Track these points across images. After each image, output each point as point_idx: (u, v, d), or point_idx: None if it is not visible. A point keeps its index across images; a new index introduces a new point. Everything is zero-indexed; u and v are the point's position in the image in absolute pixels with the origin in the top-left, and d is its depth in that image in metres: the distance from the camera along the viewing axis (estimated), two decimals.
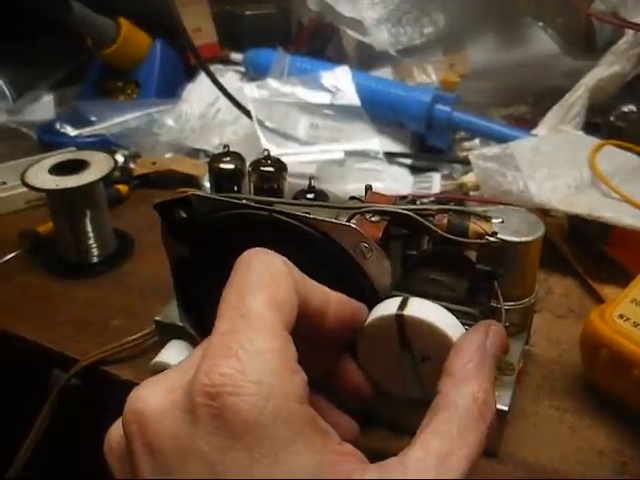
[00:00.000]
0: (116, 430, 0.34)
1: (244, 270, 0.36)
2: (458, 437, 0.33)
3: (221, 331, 0.33)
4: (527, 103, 0.94)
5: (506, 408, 0.48)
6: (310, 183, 0.54)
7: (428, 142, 0.91)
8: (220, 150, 0.59)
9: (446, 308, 0.43)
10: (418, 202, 0.50)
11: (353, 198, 0.50)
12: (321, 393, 0.42)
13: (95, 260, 0.74)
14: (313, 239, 0.45)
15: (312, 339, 0.38)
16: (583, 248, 0.71)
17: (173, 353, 0.55)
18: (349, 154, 0.85)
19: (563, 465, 0.50)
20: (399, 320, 0.41)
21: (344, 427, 0.42)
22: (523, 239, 0.50)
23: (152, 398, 0.32)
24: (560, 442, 0.52)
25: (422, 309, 0.42)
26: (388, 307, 0.42)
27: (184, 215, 0.49)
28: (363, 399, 0.44)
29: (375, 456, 0.50)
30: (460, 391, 0.35)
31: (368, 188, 0.51)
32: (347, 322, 0.40)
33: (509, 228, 0.50)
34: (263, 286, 0.34)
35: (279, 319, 0.33)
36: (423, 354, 0.43)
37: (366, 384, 0.44)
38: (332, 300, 0.39)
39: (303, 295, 0.36)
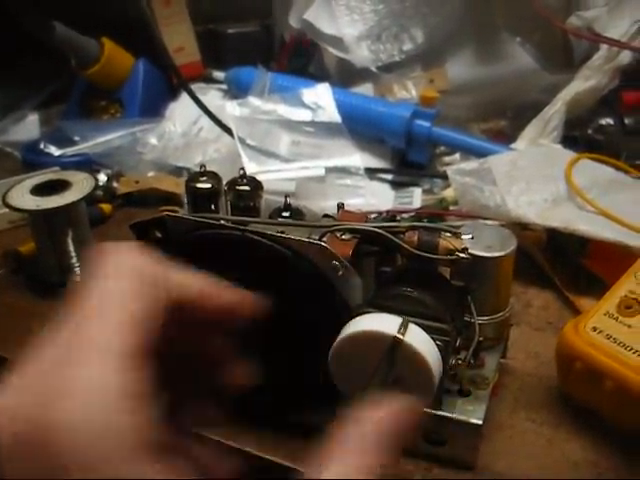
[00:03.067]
0: None
1: (93, 281, 0.33)
2: None
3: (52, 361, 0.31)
4: (506, 117, 0.95)
5: (480, 422, 0.48)
6: (285, 201, 0.55)
7: (408, 157, 0.92)
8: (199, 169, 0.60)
9: (418, 324, 0.43)
10: (398, 217, 0.51)
11: (326, 216, 0.51)
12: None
13: (77, 279, 0.74)
14: (285, 258, 0.46)
15: (194, 323, 0.37)
16: (561, 261, 0.71)
17: None
18: (330, 170, 0.85)
19: (539, 477, 0.50)
20: (395, 342, 0.42)
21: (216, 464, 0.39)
22: (495, 254, 0.51)
23: None
24: (536, 455, 0.52)
25: (420, 340, 0.43)
26: (387, 325, 0.43)
27: (159, 235, 0.49)
28: (240, 388, 0.41)
29: None
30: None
31: (340, 206, 0.51)
32: (230, 308, 0.38)
33: (481, 243, 0.51)
34: (109, 306, 0.32)
35: (127, 341, 0.31)
36: (398, 376, 0.43)
37: (245, 374, 0.42)
38: (208, 287, 0.37)
39: (171, 287, 0.34)
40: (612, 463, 0.51)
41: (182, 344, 0.37)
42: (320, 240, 0.46)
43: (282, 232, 0.46)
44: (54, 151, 0.98)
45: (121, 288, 0.32)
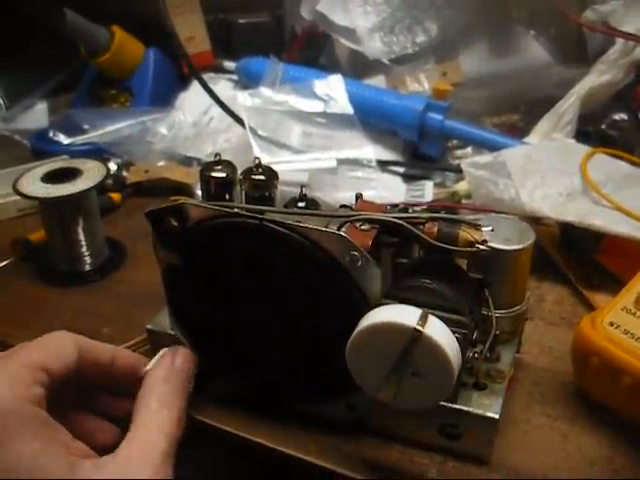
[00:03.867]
0: None
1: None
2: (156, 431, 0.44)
3: None
4: (519, 111, 0.95)
5: (497, 416, 0.48)
6: (301, 191, 0.54)
7: (420, 150, 0.92)
8: (212, 158, 0.59)
9: (437, 316, 0.43)
10: (410, 210, 0.50)
11: (344, 206, 0.50)
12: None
13: (87, 268, 0.74)
14: (303, 247, 0.45)
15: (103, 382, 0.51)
16: (575, 256, 0.71)
17: None
18: (342, 162, 0.85)
19: (555, 473, 0.50)
20: (415, 334, 0.42)
21: (102, 431, 0.51)
22: (513, 247, 0.50)
23: None
24: (551, 450, 0.52)
25: (440, 333, 0.42)
26: (406, 317, 0.42)
27: (175, 224, 0.49)
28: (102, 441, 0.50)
29: (366, 464, 0.50)
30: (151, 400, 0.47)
31: (358, 196, 0.51)
32: (128, 371, 0.51)
33: (499, 236, 0.50)
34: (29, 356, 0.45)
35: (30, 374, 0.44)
36: (416, 369, 0.43)
37: (108, 432, 0.51)
38: (117, 355, 0.51)
39: (89, 354, 0.48)
40: (628, 460, 0.51)
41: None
42: (339, 230, 0.45)
43: (299, 222, 0.46)
44: (63, 139, 0.98)
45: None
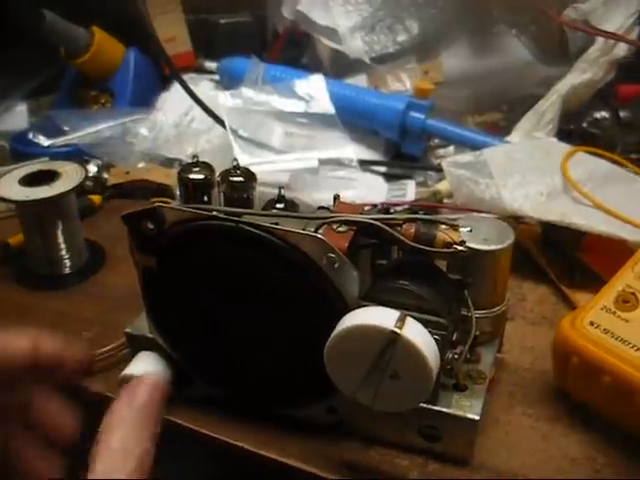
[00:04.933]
0: None
1: None
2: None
3: None
4: (501, 110, 0.94)
5: (477, 417, 0.48)
6: (280, 193, 0.54)
7: (402, 150, 0.91)
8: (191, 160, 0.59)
9: (415, 318, 0.43)
10: (392, 210, 0.50)
11: (322, 208, 0.50)
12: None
13: (67, 271, 0.74)
14: (280, 250, 0.45)
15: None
16: (556, 255, 0.71)
17: (142, 365, 0.54)
18: (323, 162, 0.84)
19: (536, 474, 0.50)
20: (393, 336, 0.41)
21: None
22: (492, 247, 0.50)
23: None
24: (532, 450, 0.51)
25: (418, 335, 0.42)
26: (384, 319, 0.42)
27: (151, 227, 0.48)
28: (64, 437, 0.47)
29: (346, 467, 0.50)
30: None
31: (336, 197, 0.50)
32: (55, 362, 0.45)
33: (478, 236, 0.50)
34: None
35: None
36: (395, 372, 0.43)
37: (68, 424, 0.47)
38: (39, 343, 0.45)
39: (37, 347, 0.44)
40: (609, 459, 0.51)
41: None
42: (316, 232, 0.45)
43: (276, 224, 0.45)
44: (43, 141, 0.97)
45: None
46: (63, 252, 0.73)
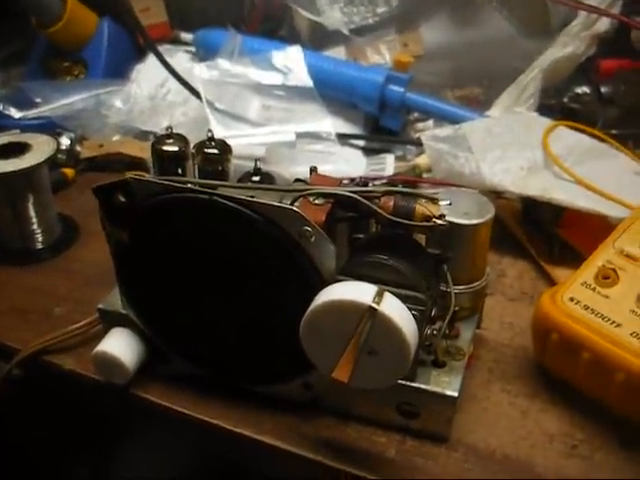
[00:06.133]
0: None
1: None
2: None
3: None
4: (481, 84, 0.93)
5: (455, 394, 0.47)
6: (256, 165, 0.53)
7: (381, 123, 0.90)
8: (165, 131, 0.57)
9: (393, 293, 0.42)
10: (370, 184, 0.49)
11: (298, 180, 0.49)
12: None
13: (39, 246, 0.72)
14: (255, 223, 0.44)
15: None
16: (536, 230, 0.70)
17: (115, 342, 0.53)
18: (301, 136, 0.83)
19: (514, 450, 0.49)
20: (371, 312, 0.40)
21: None
22: (472, 221, 0.49)
23: None
24: (511, 426, 0.51)
25: (396, 310, 0.41)
26: (361, 294, 0.41)
27: (123, 199, 0.47)
28: None
29: (323, 444, 0.49)
30: None
31: (313, 170, 0.49)
32: None
33: (458, 210, 0.49)
34: None
35: None
36: (372, 348, 0.42)
37: None
38: None
39: None
40: (587, 435, 0.50)
41: None
42: (292, 205, 0.44)
43: (252, 197, 0.44)
44: (14, 113, 0.95)
45: None
46: (35, 226, 0.71)
